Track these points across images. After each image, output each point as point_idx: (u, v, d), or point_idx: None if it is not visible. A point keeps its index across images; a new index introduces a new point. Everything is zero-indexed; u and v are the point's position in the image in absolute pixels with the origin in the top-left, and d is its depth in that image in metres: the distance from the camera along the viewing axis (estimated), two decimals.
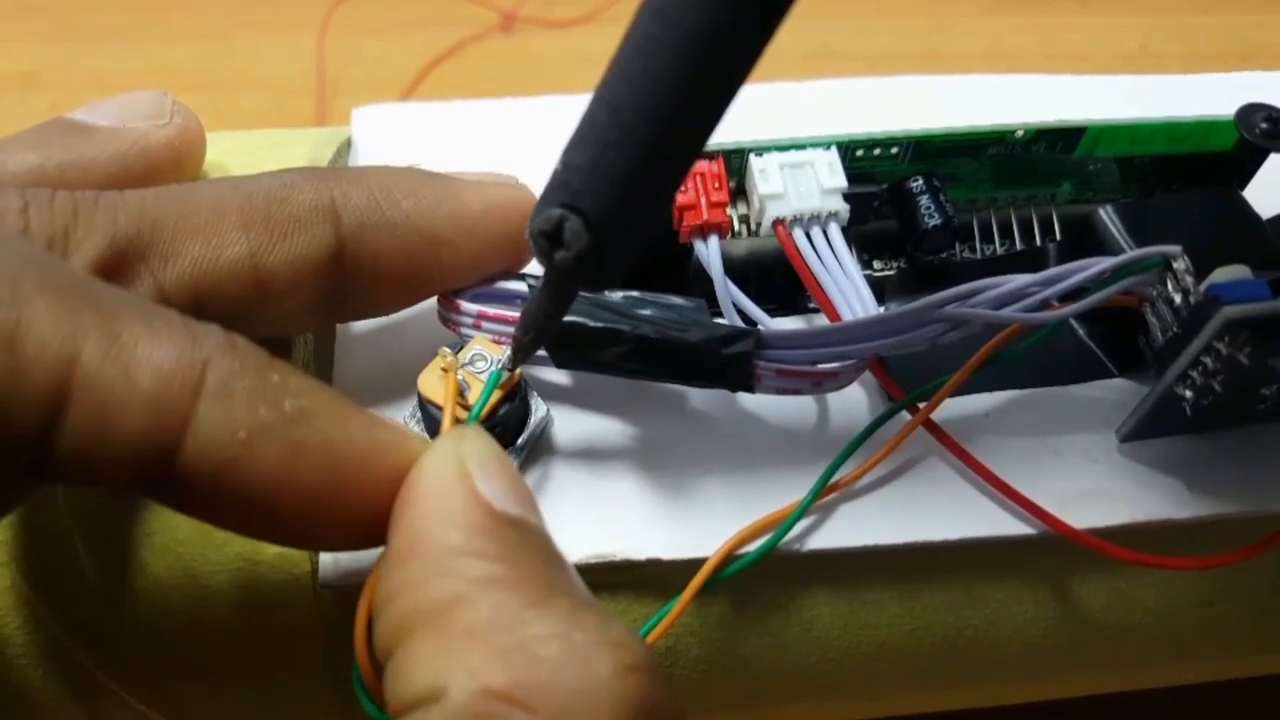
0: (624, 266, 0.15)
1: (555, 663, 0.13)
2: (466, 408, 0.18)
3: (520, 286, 0.20)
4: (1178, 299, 0.18)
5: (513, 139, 0.25)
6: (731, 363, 0.19)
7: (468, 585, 0.13)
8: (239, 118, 0.41)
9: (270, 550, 0.19)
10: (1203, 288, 0.18)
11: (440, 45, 0.44)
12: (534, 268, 0.20)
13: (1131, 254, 0.18)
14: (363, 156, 0.25)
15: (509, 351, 0.18)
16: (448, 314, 0.20)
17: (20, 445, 0.13)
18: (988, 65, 0.44)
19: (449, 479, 0.14)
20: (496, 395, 0.18)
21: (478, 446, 0.15)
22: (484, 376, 0.18)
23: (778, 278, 0.23)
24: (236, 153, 0.24)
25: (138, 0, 0.45)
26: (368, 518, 0.14)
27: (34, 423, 0.13)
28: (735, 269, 0.21)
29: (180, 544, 0.19)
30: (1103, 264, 0.18)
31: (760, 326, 0.20)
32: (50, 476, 0.14)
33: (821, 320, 0.22)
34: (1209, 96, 0.23)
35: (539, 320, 0.17)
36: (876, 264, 0.25)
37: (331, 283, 0.18)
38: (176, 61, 0.43)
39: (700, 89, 0.14)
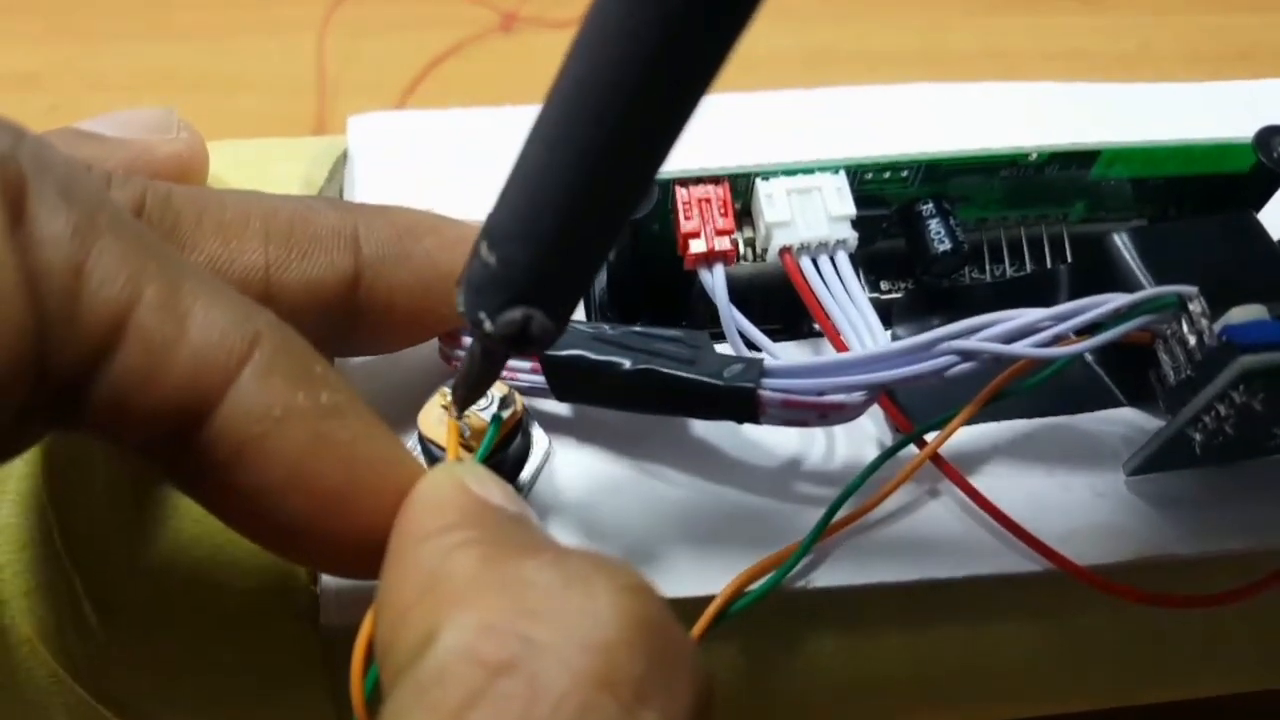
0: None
1: (549, 588, 0.12)
2: (469, 449, 0.18)
3: None
4: (1192, 341, 0.17)
5: (509, 148, 0.24)
6: (736, 393, 0.19)
7: (455, 547, 0.13)
8: (238, 118, 0.41)
9: (271, 587, 0.19)
10: (1218, 328, 0.17)
11: (440, 45, 0.43)
12: None
13: (1146, 292, 0.18)
14: (359, 164, 0.24)
15: (498, 395, 0.18)
16: (450, 350, 0.19)
17: (63, 379, 0.13)
18: (987, 65, 0.43)
19: (443, 485, 0.14)
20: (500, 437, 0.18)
21: (474, 467, 0.15)
22: (484, 414, 0.18)
23: (781, 301, 0.23)
24: (232, 167, 0.23)
25: (137, 0, 0.44)
26: (370, 535, 0.14)
27: (84, 357, 0.13)
28: (738, 292, 0.21)
29: (181, 587, 0.19)
30: (1116, 301, 0.18)
31: (765, 355, 0.20)
32: (80, 422, 0.13)
33: (826, 346, 0.21)
34: (1221, 104, 0.23)
35: (478, 382, 0.16)
36: (884, 284, 0.24)
37: (342, 313, 0.18)
38: (176, 62, 0.42)
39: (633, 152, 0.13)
